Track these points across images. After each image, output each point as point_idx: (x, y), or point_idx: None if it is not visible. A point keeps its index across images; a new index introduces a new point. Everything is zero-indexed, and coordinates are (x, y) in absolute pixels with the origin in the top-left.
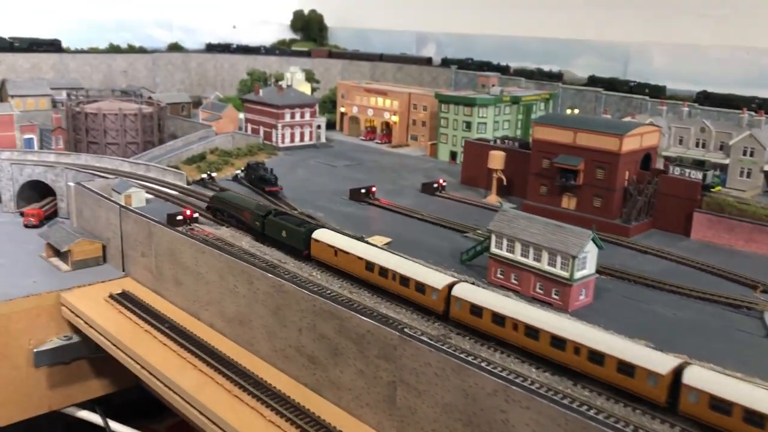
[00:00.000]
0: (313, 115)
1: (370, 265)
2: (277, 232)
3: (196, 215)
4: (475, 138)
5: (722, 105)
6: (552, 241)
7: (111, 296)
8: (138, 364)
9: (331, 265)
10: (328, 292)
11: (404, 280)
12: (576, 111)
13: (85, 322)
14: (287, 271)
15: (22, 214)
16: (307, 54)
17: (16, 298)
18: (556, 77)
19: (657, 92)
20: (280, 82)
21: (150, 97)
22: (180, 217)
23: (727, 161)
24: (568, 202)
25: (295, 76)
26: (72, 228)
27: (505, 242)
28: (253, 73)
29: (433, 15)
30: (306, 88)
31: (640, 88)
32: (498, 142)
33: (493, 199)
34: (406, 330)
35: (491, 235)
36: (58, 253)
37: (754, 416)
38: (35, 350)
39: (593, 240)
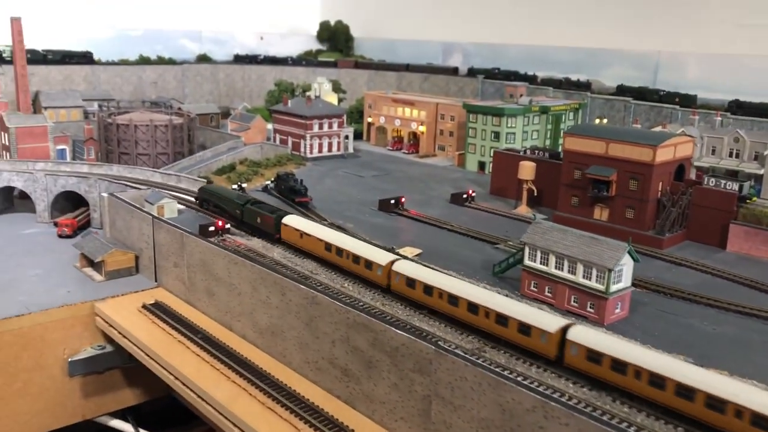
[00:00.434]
0: (340, 125)
1: (328, 246)
2: (253, 218)
3: (228, 226)
4: (503, 148)
5: (755, 114)
6: (587, 254)
7: (144, 306)
8: (171, 374)
9: (298, 246)
10: (361, 304)
11: (356, 258)
12: (605, 120)
13: (119, 332)
14: (319, 283)
15: (55, 225)
16: (334, 64)
17: (51, 308)
18: (585, 86)
19: (688, 101)
20: (307, 93)
21: (180, 108)
22: (212, 228)
23: (761, 171)
24: (600, 214)
25: (322, 86)
26: (105, 238)
27: (538, 254)
28: (280, 83)
29: (459, 25)
30: (333, 99)
31: (670, 98)
32: (527, 152)
33: (523, 209)
34: (441, 343)
35: (525, 247)
36: (91, 263)
37: (619, 364)
38: (70, 360)
39: (629, 253)
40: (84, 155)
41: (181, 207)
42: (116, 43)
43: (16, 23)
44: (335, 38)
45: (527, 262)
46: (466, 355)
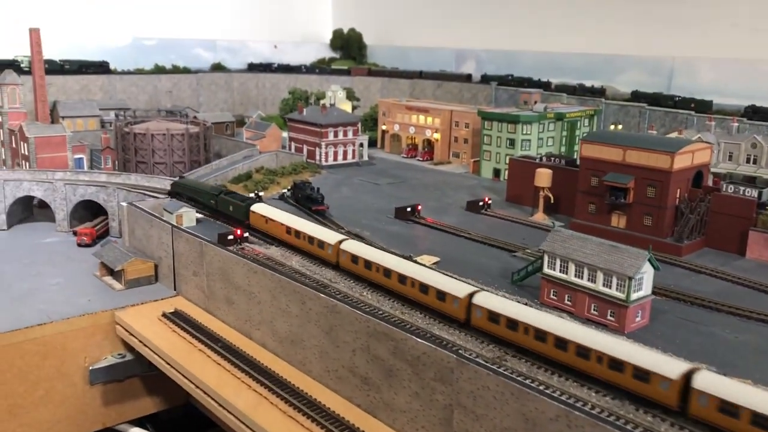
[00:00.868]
0: (355, 133)
1: (288, 230)
2: (226, 207)
3: (246, 235)
4: (519, 155)
5: None
6: (607, 262)
7: (164, 315)
8: (192, 383)
9: (264, 231)
10: (381, 312)
11: (311, 239)
12: (620, 127)
13: (139, 341)
14: (339, 291)
15: (75, 234)
16: (347, 72)
17: (72, 317)
18: (599, 93)
19: (703, 107)
20: (322, 101)
21: (195, 117)
22: (231, 237)
23: None
24: (618, 221)
25: (336, 94)
26: (124, 247)
27: (558, 262)
28: (294, 91)
29: (472, 32)
30: (347, 107)
31: (686, 103)
32: (543, 159)
33: (540, 217)
34: (462, 352)
35: (544, 255)
36: (111, 272)
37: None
38: (91, 368)
39: (650, 260)
40: (101, 164)
41: (200, 216)
42: (132, 53)
43: (34, 34)
44: (348, 46)
45: (546, 270)
46: (488, 364)
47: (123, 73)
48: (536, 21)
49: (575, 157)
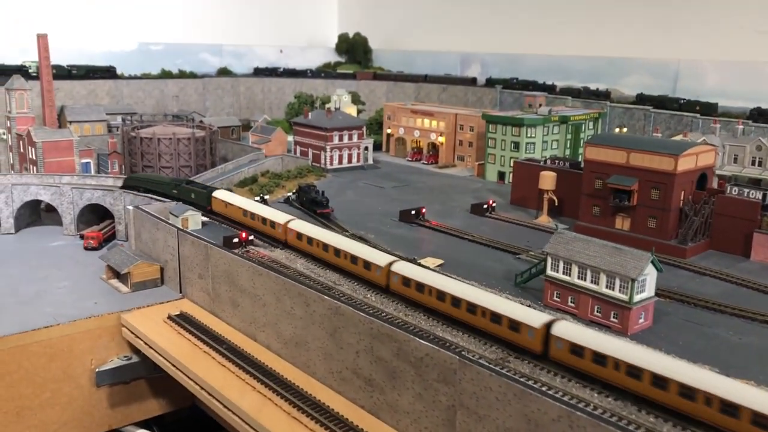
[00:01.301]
0: (360, 137)
1: (245, 212)
2: (188, 195)
3: (251, 237)
4: (523, 158)
5: None
6: (610, 264)
7: (170, 317)
8: (197, 384)
9: (224, 215)
10: (384, 314)
11: (264, 220)
12: (624, 130)
13: (145, 343)
14: (343, 293)
15: (81, 237)
16: (353, 76)
17: (78, 320)
18: (604, 96)
19: (708, 110)
20: (327, 105)
21: (201, 121)
22: (236, 240)
23: None
24: (622, 223)
25: (341, 98)
26: (131, 250)
27: (561, 264)
28: (300, 96)
29: (476, 35)
30: (352, 110)
31: (691, 106)
32: (548, 162)
33: (544, 219)
34: (465, 353)
35: (547, 257)
36: (117, 275)
37: None
38: (97, 370)
39: (653, 262)
40: (108, 168)
41: (205, 219)
42: (138, 58)
43: (42, 39)
44: (354, 50)
45: (550, 272)
46: (491, 365)
47: (130, 78)
48: (541, 24)
49: (579, 159)
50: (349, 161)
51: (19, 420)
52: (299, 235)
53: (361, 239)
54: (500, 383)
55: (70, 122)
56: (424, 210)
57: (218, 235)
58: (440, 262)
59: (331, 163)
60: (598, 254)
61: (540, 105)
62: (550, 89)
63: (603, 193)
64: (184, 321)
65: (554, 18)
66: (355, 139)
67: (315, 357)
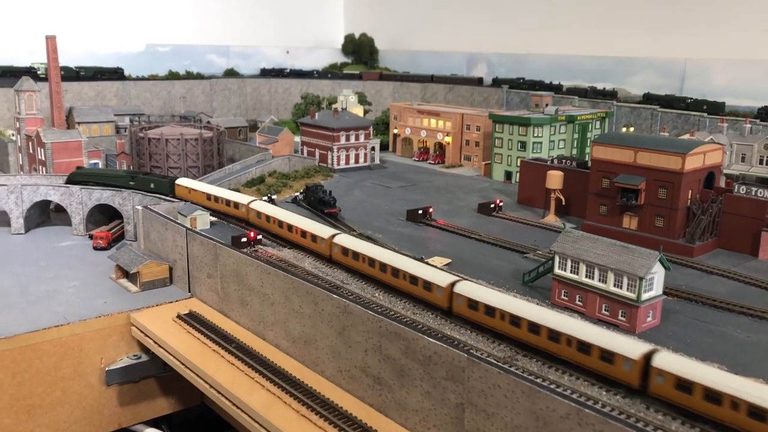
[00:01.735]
0: (367, 137)
1: (209, 196)
2: (146, 185)
3: (259, 237)
4: (530, 158)
5: None
6: (618, 262)
7: (179, 316)
8: (207, 383)
9: (188, 200)
10: (392, 313)
11: (228, 202)
12: (631, 129)
13: (155, 342)
14: (351, 292)
15: (91, 237)
16: (359, 77)
17: (88, 319)
18: (610, 95)
19: (716, 109)
20: (334, 106)
21: (209, 122)
22: (244, 239)
23: None
24: (629, 222)
25: (348, 98)
26: (140, 250)
27: (569, 263)
28: (306, 96)
29: (482, 36)
30: (359, 111)
31: (698, 105)
32: (555, 161)
33: (551, 219)
34: (473, 352)
35: (555, 255)
36: (126, 274)
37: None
38: (107, 369)
39: (660, 261)
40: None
41: (214, 219)
42: (146, 59)
43: (51, 41)
44: (360, 51)
45: (557, 271)
46: (499, 363)
47: (137, 79)
48: (547, 24)
49: (586, 159)
50: (356, 161)
51: (30, 418)
52: (259, 214)
53: (369, 238)
54: (508, 381)
55: (79, 123)
56: (431, 209)
57: (226, 234)
58: (448, 261)
59: (338, 163)
60: (605, 253)
61: (546, 105)
62: (556, 89)
63: (610, 193)
64: (193, 320)
65: (560, 18)
66: (361, 139)
67: (323, 355)
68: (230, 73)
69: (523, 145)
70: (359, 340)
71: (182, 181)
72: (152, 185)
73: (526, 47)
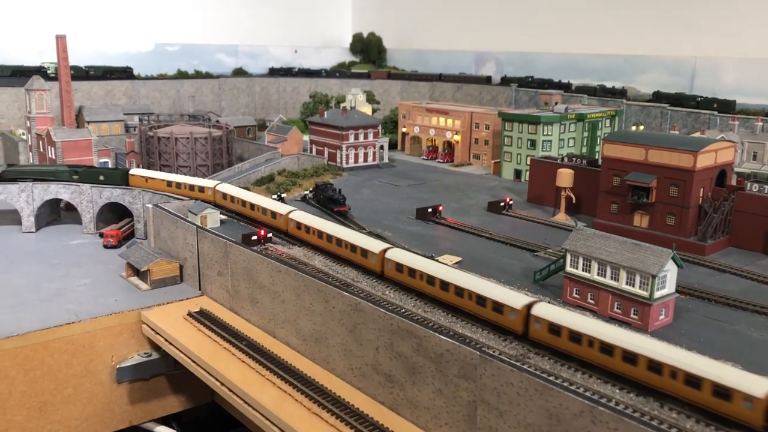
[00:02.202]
0: (376, 135)
1: (170, 183)
2: (93, 178)
3: (269, 235)
4: (540, 156)
5: None
6: (630, 260)
7: (189, 314)
8: (218, 380)
9: (144, 188)
10: (404, 311)
11: (191, 187)
12: (641, 127)
13: (165, 340)
14: (362, 290)
15: (101, 235)
16: (367, 76)
17: (99, 317)
18: (620, 93)
19: (726, 107)
20: (342, 105)
21: (218, 121)
22: (255, 237)
23: None
24: (640, 220)
25: (356, 97)
26: (150, 248)
27: (580, 261)
28: (315, 95)
29: (491, 34)
30: (367, 110)
31: (708, 103)
32: (564, 159)
33: (561, 217)
34: (485, 349)
35: (566, 253)
36: (137, 272)
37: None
38: (117, 366)
39: (673, 259)
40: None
41: (224, 217)
42: (155, 59)
43: (61, 41)
44: (368, 50)
45: (569, 269)
46: (512, 361)
47: (146, 78)
48: (556, 22)
49: (597, 157)
50: (365, 160)
51: (41, 415)
52: (225, 196)
53: (378, 235)
54: (521, 378)
55: (88, 122)
56: (440, 208)
57: (237, 232)
58: (458, 259)
59: (347, 162)
60: (617, 251)
61: (556, 103)
62: (565, 87)
63: (621, 191)
64: (203, 318)
65: (569, 16)
66: (370, 137)
67: (334, 353)
68: (239, 73)
69: (533, 144)
70: (370, 338)
71: (137, 172)
72: (102, 177)
73: (535, 46)
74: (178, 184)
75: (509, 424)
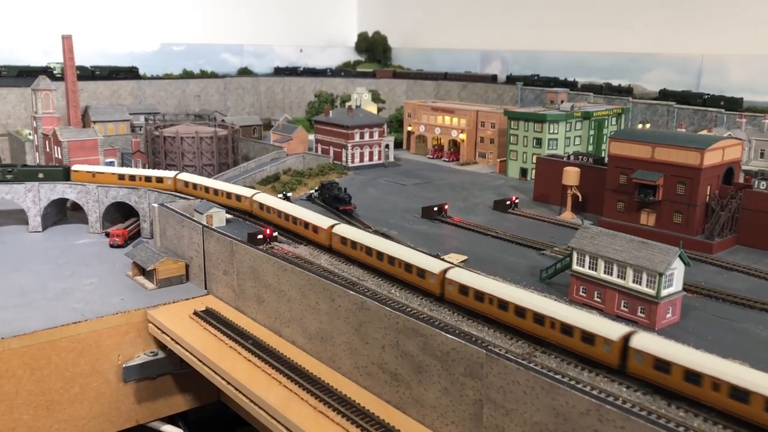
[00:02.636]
0: (381, 134)
1: (121, 176)
2: (32, 176)
3: (275, 234)
4: (546, 154)
5: None
6: (637, 258)
7: (195, 313)
8: (224, 379)
9: (89, 182)
10: (409, 309)
11: (148, 178)
12: (648, 125)
13: (172, 339)
14: (368, 289)
15: (107, 235)
16: (372, 75)
17: (106, 316)
18: (626, 92)
19: (733, 105)
20: (348, 104)
21: (223, 120)
22: (260, 236)
23: None
24: (647, 218)
25: (362, 96)
26: (156, 248)
27: (587, 259)
28: (320, 95)
29: (496, 33)
30: (372, 109)
31: (715, 101)
32: (571, 158)
33: (567, 215)
34: (491, 348)
35: (573, 251)
36: (143, 271)
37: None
38: (124, 365)
39: (680, 257)
40: (132, 167)
41: (229, 216)
42: (160, 59)
43: (67, 41)
44: (373, 49)
45: (575, 267)
46: (518, 359)
47: (152, 78)
48: (561, 21)
49: (603, 155)
50: (370, 159)
51: (49, 414)
52: (187, 183)
53: (385, 235)
54: (528, 377)
55: (94, 122)
56: (446, 206)
57: (243, 231)
58: (464, 257)
59: (353, 161)
60: (624, 249)
61: (562, 101)
62: (571, 86)
63: (628, 189)
64: (209, 317)
65: (575, 14)
66: (376, 136)
67: (340, 352)
68: (244, 72)
69: (539, 142)
70: (376, 337)
71: (80, 168)
72: (41, 175)
73: (541, 44)
74: (132, 177)
75: (516, 422)
